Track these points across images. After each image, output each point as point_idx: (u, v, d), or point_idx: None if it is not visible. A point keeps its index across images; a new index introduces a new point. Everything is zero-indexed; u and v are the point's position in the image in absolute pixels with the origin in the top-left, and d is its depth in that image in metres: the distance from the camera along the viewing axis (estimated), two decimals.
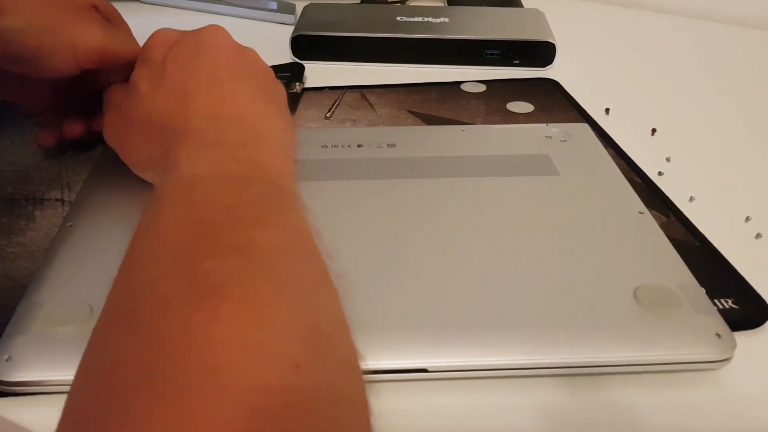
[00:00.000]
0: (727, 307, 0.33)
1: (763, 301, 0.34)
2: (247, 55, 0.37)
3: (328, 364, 0.19)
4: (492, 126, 0.48)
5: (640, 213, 0.37)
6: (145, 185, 0.39)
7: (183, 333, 0.18)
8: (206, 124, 0.31)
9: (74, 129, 0.45)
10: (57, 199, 0.42)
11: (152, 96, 0.34)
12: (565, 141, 0.44)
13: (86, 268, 0.33)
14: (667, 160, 0.46)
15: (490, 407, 0.29)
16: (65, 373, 0.27)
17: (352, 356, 0.21)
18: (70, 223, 0.36)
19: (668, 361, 0.29)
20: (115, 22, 0.42)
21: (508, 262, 0.33)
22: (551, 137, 0.44)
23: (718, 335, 0.29)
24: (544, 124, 0.46)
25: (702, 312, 0.30)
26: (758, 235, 0.39)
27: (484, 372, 0.29)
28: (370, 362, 0.28)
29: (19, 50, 0.36)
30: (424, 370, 0.28)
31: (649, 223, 0.36)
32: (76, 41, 0.38)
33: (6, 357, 0.28)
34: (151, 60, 0.36)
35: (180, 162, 0.29)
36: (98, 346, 0.20)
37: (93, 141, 0.45)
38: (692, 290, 0.31)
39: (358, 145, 0.43)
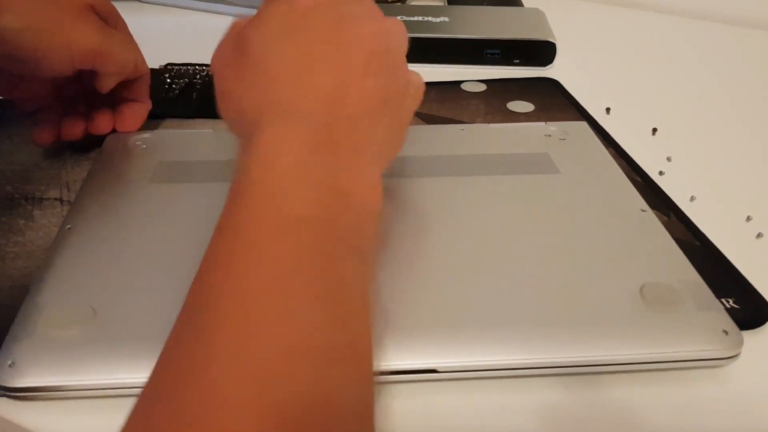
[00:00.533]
0: (728, 306, 0.33)
1: (764, 300, 0.34)
2: (391, 46, 0.31)
3: None
4: (490, 125, 0.48)
5: (642, 210, 0.37)
6: (145, 187, 0.39)
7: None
8: (319, 108, 0.27)
9: (73, 131, 0.44)
10: (56, 199, 0.41)
11: (277, 38, 0.29)
12: (563, 139, 0.44)
13: (87, 271, 0.33)
14: (668, 159, 0.46)
15: (497, 407, 0.28)
16: (69, 377, 0.27)
17: None
18: (69, 226, 0.36)
19: (677, 359, 0.29)
20: (112, 22, 0.42)
21: (513, 261, 0.33)
22: (550, 136, 0.44)
23: (725, 332, 0.29)
24: (543, 123, 0.46)
25: (709, 309, 0.30)
26: (759, 235, 0.39)
27: (492, 372, 0.29)
28: (375, 363, 0.28)
29: (16, 50, 0.36)
30: (434, 371, 0.28)
31: (651, 221, 0.36)
32: (72, 42, 0.38)
33: (9, 362, 0.28)
34: (296, 1, 0.30)
35: (265, 146, 0.25)
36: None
37: (92, 143, 0.45)
38: (698, 287, 0.31)
39: None
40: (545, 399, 0.29)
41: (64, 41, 0.37)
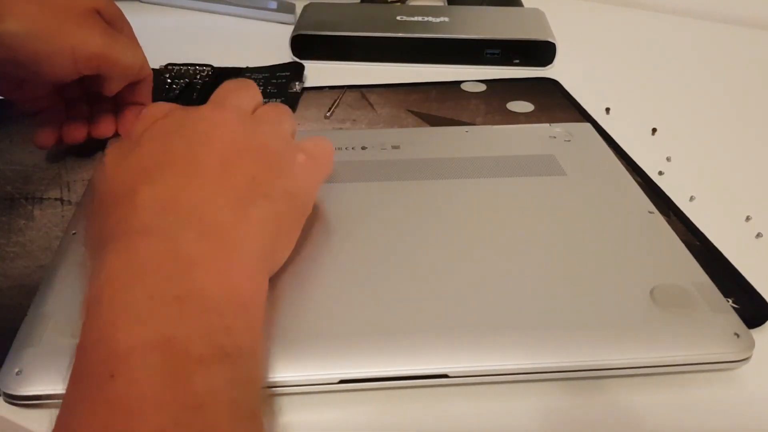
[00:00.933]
0: None
1: (764, 300, 0.34)
2: (257, 136, 0.30)
3: None
4: (495, 126, 0.48)
5: (650, 212, 0.37)
6: None
7: None
8: (155, 220, 0.25)
9: (75, 134, 0.44)
10: (56, 199, 0.41)
11: (112, 170, 0.29)
12: (569, 141, 0.44)
13: None
14: (668, 159, 0.46)
15: (508, 412, 0.28)
16: None
17: None
18: (74, 231, 0.36)
19: (690, 362, 0.29)
20: (117, 25, 0.42)
21: (523, 264, 0.33)
22: (555, 137, 0.44)
23: (737, 335, 0.29)
24: (547, 125, 0.46)
25: (720, 311, 0.30)
26: (759, 235, 0.39)
27: (503, 376, 0.29)
28: (386, 369, 0.28)
29: (19, 55, 0.36)
30: (445, 376, 0.28)
31: (659, 223, 0.36)
32: (76, 47, 0.38)
33: (16, 370, 0.28)
34: (132, 133, 0.31)
35: (97, 278, 0.24)
36: None
37: (93, 146, 0.45)
38: (708, 290, 0.31)
39: (362, 147, 0.43)
40: (557, 403, 0.29)
41: (67, 46, 0.37)
